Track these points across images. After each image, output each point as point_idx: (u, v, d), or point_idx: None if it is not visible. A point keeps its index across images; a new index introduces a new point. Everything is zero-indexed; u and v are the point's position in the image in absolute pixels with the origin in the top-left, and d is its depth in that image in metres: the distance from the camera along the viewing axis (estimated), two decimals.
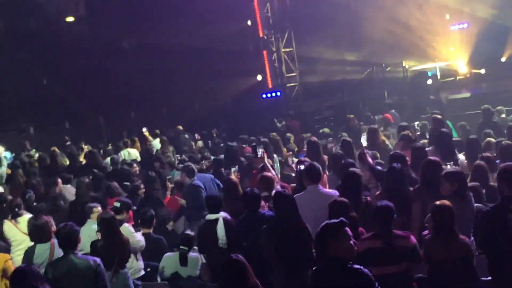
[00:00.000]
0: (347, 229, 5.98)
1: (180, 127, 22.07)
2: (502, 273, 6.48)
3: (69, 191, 14.13)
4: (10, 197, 14.29)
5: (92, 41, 29.88)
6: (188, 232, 10.11)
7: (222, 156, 15.21)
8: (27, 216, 10.79)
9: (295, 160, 13.84)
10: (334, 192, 9.15)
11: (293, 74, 27.75)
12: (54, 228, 9.03)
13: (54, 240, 8.71)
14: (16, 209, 11.31)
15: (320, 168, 9.48)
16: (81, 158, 18.37)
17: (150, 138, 20.79)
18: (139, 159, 18.23)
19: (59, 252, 8.26)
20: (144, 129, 21.37)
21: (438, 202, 7.34)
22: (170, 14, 27.98)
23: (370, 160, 10.89)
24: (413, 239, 7.27)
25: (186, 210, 12.43)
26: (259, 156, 11.99)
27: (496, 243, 6.32)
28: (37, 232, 9.06)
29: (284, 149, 16.33)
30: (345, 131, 18.19)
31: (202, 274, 9.51)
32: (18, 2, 30.78)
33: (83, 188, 13.09)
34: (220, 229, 8.91)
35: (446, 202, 7.36)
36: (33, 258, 8.81)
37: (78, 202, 12.55)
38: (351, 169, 9.41)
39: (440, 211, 7.17)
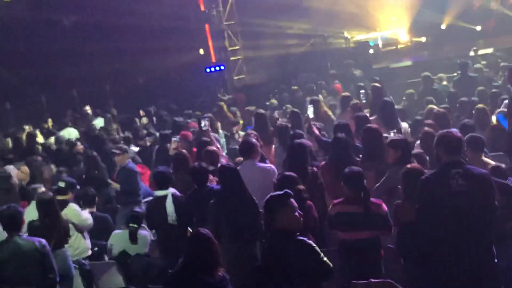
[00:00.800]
0: (292, 200, 6.00)
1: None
2: (438, 239, 6.57)
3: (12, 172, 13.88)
4: None
5: (32, 20, 29.32)
6: (137, 209, 10.07)
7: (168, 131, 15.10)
8: None
9: (242, 133, 13.87)
10: (270, 167, 9.24)
11: (236, 47, 27.64)
12: None
13: None
14: None
15: (255, 142, 9.51)
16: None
17: (93, 116, 20.56)
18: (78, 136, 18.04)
19: (1, 235, 8.16)
20: (87, 107, 21.11)
21: (409, 166, 7.45)
22: None
23: (317, 131, 10.95)
24: (384, 206, 7.35)
25: (119, 194, 12.28)
26: (203, 129, 11.96)
27: (436, 210, 6.41)
28: None
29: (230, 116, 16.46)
30: (289, 103, 18.26)
31: (150, 251, 9.47)
32: None
33: (37, 168, 12.92)
34: (170, 205, 8.84)
35: (416, 166, 7.51)
36: None
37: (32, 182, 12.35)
38: (296, 140, 9.47)
39: (411, 175, 7.24)
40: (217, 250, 5.99)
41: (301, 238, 5.91)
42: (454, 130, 6.98)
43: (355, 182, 7.37)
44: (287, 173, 8.10)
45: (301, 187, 7.73)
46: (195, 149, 11.71)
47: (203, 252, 5.90)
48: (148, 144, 15.21)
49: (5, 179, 11.26)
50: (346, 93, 15.39)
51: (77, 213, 9.50)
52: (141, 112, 21.03)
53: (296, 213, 5.92)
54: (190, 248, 6.01)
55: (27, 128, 19.89)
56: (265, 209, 6.04)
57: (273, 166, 9.50)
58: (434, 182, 6.48)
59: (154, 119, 20.56)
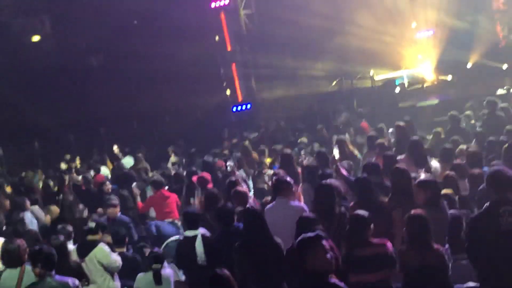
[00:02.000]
0: (324, 242, 6.00)
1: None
2: (490, 278, 6.53)
3: (36, 212, 13.98)
4: None
5: (59, 59, 29.71)
6: (156, 249, 10.06)
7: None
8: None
9: (270, 172, 13.88)
10: (302, 205, 9.23)
11: (263, 87, 27.74)
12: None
13: (27, 265, 8.61)
14: None
15: (290, 181, 9.52)
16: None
17: (120, 155, 20.67)
18: (109, 176, 18.16)
19: (30, 277, 8.20)
20: (115, 147, 21.26)
21: (412, 212, 7.43)
22: (140, 29, 27.94)
23: (344, 172, 10.95)
24: (389, 245, 7.33)
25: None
26: (229, 170, 12.00)
27: (486, 248, 6.37)
28: (7, 257, 8.86)
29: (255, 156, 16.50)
30: (316, 141, 18.29)
31: None
32: None
33: (69, 208, 13.04)
34: (199, 246, 8.86)
35: (419, 211, 7.45)
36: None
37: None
38: (324, 180, 9.47)
39: (413, 221, 7.26)
40: None
41: (333, 281, 5.89)
42: (505, 168, 6.97)
43: (355, 226, 7.47)
44: (306, 213, 8.11)
45: (321, 227, 7.71)
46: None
47: None
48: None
49: (18, 223, 11.33)
50: (373, 132, 15.40)
51: (106, 254, 9.53)
52: (170, 150, 21.13)
53: (328, 255, 5.91)
54: None
55: (63, 165, 20.08)
56: (296, 250, 6.04)
57: (305, 206, 9.48)
58: (482, 221, 6.44)
59: (183, 157, 20.67)
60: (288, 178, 9.68)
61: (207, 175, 13.06)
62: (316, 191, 9.23)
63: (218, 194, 10.42)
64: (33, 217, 13.40)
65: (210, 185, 12.42)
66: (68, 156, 21.63)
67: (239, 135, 23.04)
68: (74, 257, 9.67)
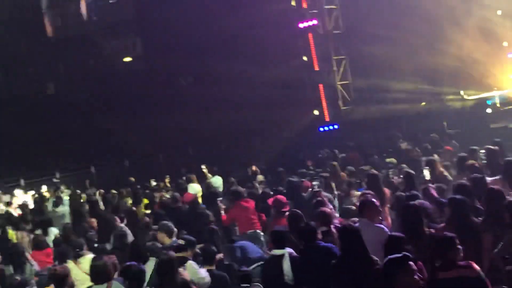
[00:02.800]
0: (412, 263, 5.93)
1: None
2: None
3: (125, 229, 14.25)
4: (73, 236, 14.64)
5: (149, 80, 30.34)
6: (245, 268, 10.10)
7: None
8: (89, 256, 10.89)
9: (357, 193, 13.77)
10: (383, 227, 9.13)
11: (350, 106, 27.70)
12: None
13: (114, 282, 8.76)
14: (78, 250, 11.41)
15: (375, 203, 9.43)
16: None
17: (209, 175, 20.86)
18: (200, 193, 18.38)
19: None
20: (203, 166, 21.47)
21: None
22: (228, 50, 28.29)
23: (434, 193, 10.78)
24: (475, 267, 7.15)
25: None
26: (315, 190, 11.95)
27: None
28: (95, 273, 9.04)
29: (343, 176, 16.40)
30: (404, 162, 18.02)
31: None
32: (78, 45, 31.50)
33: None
34: (286, 265, 8.87)
35: None
36: None
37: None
38: (411, 202, 9.35)
39: None
40: None
41: None
42: None
43: (440, 248, 7.23)
44: (394, 233, 8.00)
45: (409, 248, 7.58)
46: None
47: None
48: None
49: (120, 237, 11.47)
50: (463, 154, 15.11)
51: (195, 271, 9.61)
52: (254, 168, 21.21)
53: (416, 276, 5.83)
54: None
55: (152, 183, 20.43)
56: (384, 271, 5.98)
57: (385, 228, 9.38)
58: None
59: (269, 176, 20.73)
60: (374, 200, 9.59)
61: (282, 198, 13.06)
62: (403, 212, 9.12)
63: (301, 214, 10.38)
64: None
65: (286, 208, 12.43)
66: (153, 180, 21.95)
67: (327, 153, 22.94)
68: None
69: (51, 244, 14.26)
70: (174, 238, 11.03)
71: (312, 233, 8.94)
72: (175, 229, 11.38)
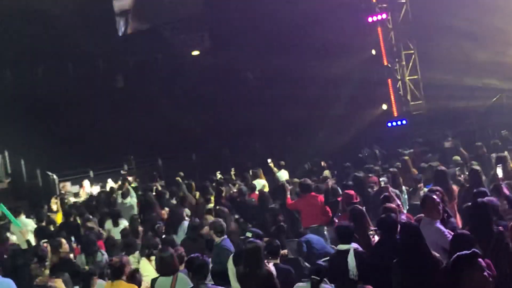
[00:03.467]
0: (480, 260, 5.84)
1: None
2: None
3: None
4: (141, 228, 14.82)
5: (217, 74, 30.51)
6: (320, 262, 10.09)
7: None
8: None
9: (425, 189, 13.60)
10: (448, 233, 8.97)
11: (419, 102, 27.39)
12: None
13: (180, 274, 8.86)
14: (152, 249, 11.53)
15: (435, 199, 9.26)
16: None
17: (275, 169, 20.88)
18: (267, 189, 18.42)
19: (182, 285, 8.45)
20: (269, 160, 21.49)
21: None
22: (294, 44, 28.27)
23: (506, 191, 10.57)
24: None
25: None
26: (382, 185, 11.84)
27: None
28: (161, 265, 9.20)
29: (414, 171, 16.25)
30: (474, 159, 17.72)
31: None
32: (147, 39, 31.88)
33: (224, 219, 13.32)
34: (351, 260, 8.81)
35: None
36: None
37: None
38: (480, 198, 9.19)
39: None
40: None
41: None
42: None
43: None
44: (461, 231, 7.90)
45: (477, 246, 7.44)
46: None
47: None
48: None
49: (194, 229, 11.52)
50: None
51: None
52: (323, 163, 21.16)
53: (485, 273, 5.74)
54: None
55: (218, 176, 20.57)
56: (452, 268, 5.89)
57: (449, 234, 9.24)
58: None
59: (335, 172, 20.66)
60: (434, 196, 9.43)
61: (351, 192, 12.99)
62: (472, 209, 8.97)
63: (363, 211, 10.29)
64: None
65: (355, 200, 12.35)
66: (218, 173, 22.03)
67: (367, 152, 22.79)
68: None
69: (119, 236, 14.51)
70: (224, 236, 10.99)
71: (393, 226, 8.84)
72: (225, 227, 11.34)
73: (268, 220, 13.90)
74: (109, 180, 24.77)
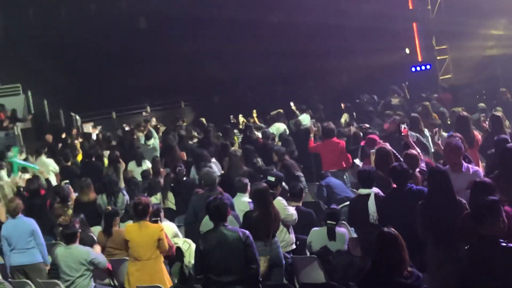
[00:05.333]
0: (500, 206, 5.92)
1: None
2: None
3: (215, 165, 14.44)
4: (162, 170, 14.95)
5: (240, 15, 30.21)
6: (334, 206, 10.16)
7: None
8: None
9: (444, 135, 13.54)
10: (476, 170, 8.96)
11: (444, 46, 27.08)
12: None
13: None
14: None
15: (456, 145, 9.20)
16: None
17: (298, 112, 20.85)
18: (287, 132, 18.45)
19: (207, 226, 8.52)
20: (291, 104, 21.45)
21: None
22: None
23: None
24: None
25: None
26: (402, 133, 11.76)
27: None
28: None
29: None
30: (497, 105, 17.57)
31: (351, 248, 9.52)
32: None
33: (236, 162, 13.39)
34: (372, 205, 8.85)
35: None
36: None
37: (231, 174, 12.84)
38: (509, 144, 9.15)
39: None
40: (404, 249, 5.95)
41: (510, 245, 5.79)
42: None
43: None
44: (483, 179, 7.95)
45: (497, 194, 7.41)
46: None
47: (390, 252, 5.91)
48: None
49: (209, 176, 11.60)
50: None
51: (283, 207, 9.72)
52: (342, 105, 21.12)
53: (503, 220, 5.84)
54: (377, 248, 6.04)
55: (241, 119, 20.63)
56: (474, 213, 5.96)
57: (479, 170, 9.21)
58: None
59: (354, 114, 20.61)
60: (456, 141, 9.36)
61: (374, 137, 13.00)
62: (500, 156, 8.95)
63: (390, 152, 10.27)
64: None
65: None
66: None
67: (366, 98, 22.65)
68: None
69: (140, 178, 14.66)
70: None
71: (404, 174, 8.83)
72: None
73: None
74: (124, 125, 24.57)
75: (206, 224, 9.04)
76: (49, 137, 21.60)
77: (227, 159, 14.27)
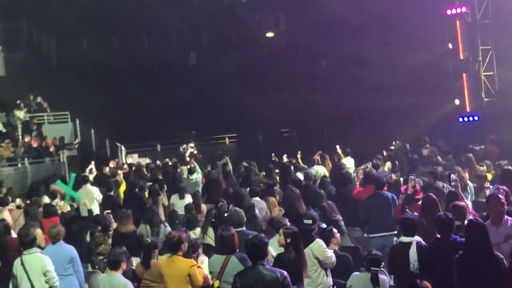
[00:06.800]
0: None
1: None
2: None
3: (258, 203, 14.39)
4: (204, 205, 14.98)
5: (289, 57, 30.45)
6: (375, 252, 10.06)
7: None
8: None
9: (491, 187, 13.36)
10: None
11: (493, 98, 26.86)
12: None
13: (233, 256, 9.00)
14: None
15: (499, 198, 9.09)
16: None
17: (342, 155, 20.79)
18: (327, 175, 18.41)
19: (232, 267, 8.56)
20: (337, 146, 21.44)
21: None
22: (370, 32, 28.03)
23: None
24: None
25: None
26: (453, 184, 11.66)
27: None
28: (219, 243, 9.36)
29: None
30: None
31: None
32: (223, 18, 31.99)
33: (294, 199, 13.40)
34: (413, 253, 8.76)
35: None
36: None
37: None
38: None
39: None
40: None
41: None
42: None
43: None
44: None
45: None
46: None
47: None
48: None
49: (248, 209, 11.58)
50: None
51: (322, 250, 9.64)
52: (384, 153, 21.02)
53: None
54: None
55: (285, 159, 20.66)
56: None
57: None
58: None
59: (397, 162, 20.47)
60: (502, 196, 9.26)
61: (417, 188, 12.87)
62: None
63: (436, 201, 10.20)
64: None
65: (419, 195, 12.25)
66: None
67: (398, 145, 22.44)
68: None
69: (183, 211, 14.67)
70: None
71: (450, 224, 8.73)
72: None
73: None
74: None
75: (215, 262, 9.10)
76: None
77: (270, 199, 14.22)
